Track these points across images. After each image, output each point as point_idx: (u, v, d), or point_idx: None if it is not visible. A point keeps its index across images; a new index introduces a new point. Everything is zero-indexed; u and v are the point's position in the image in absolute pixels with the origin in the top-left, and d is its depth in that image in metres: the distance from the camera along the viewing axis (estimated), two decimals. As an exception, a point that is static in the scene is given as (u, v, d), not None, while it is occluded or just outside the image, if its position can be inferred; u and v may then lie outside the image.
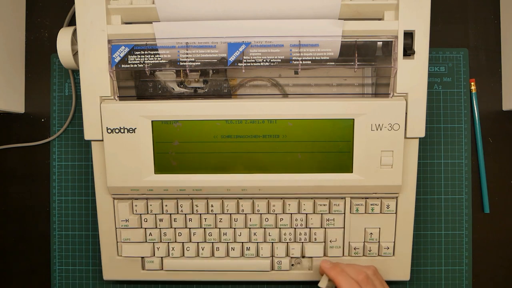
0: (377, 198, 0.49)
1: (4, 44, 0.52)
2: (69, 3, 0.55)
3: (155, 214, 0.49)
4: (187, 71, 0.48)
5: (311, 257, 0.50)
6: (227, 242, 0.50)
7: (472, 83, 0.54)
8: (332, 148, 0.46)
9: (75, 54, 0.49)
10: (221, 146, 0.46)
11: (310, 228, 0.49)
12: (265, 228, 0.49)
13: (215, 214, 0.49)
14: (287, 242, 0.50)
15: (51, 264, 0.55)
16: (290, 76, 0.50)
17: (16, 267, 0.56)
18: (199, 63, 0.46)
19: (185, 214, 0.49)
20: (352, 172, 0.46)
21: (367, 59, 0.46)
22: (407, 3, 0.44)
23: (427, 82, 0.45)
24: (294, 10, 0.45)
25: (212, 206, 0.49)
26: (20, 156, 0.56)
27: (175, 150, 0.46)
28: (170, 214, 0.49)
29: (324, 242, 0.50)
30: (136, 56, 0.46)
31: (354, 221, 0.49)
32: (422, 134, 0.46)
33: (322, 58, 0.45)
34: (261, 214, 0.49)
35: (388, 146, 0.46)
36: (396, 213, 0.49)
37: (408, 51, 0.45)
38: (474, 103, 0.54)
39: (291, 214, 0.49)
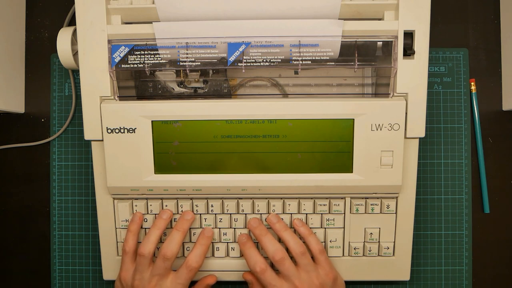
0: (377, 198, 0.49)
1: (4, 44, 0.52)
2: (69, 3, 0.55)
3: (155, 214, 0.49)
4: (187, 71, 0.48)
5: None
6: (227, 242, 0.50)
7: (472, 83, 0.54)
8: (332, 148, 0.46)
9: (75, 54, 0.49)
10: (221, 146, 0.46)
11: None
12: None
13: (215, 214, 0.49)
14: (287, 242, 0.50)
15: (51, 264, 0.55)
16: (290, 76, 0.50)
17: (16, 267, 0.56)
18: (199, 63, 0.46)
19: (185, 214, 0.49)
20: (352, 172, 0.46)
21: (367, 59, 0.46)
22: (407, 3, 0.44)
23: (427, 82, 0.45)
24: (294, 10, 0.45)
25: (212, 206, 0.49)
26: (20, 156, 0.56)
27: (175, 150, 0.46)
28: (170, 214, 0.49)
29: (324, 242, 0.50)
30: (136, 56, 0.46)
31: (354, 221, 0.49)
32: (422, 134, 0.46)
33: (322, 58, 0.45)
34: (261, 214, 0.49)
35: (388, 146, 0.46)
36: (396, 213, 0.49)
37: (408, 51, 0.45)
38: (474, 103, 0.54)
39: (291, 214, 0.49)
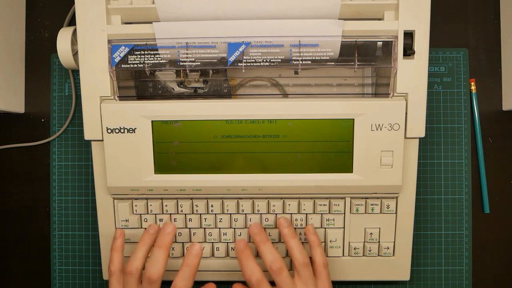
0: (377, 198, 0.49)
1: (4, 44, 0.52)
2: (69, 3, 0.55)
3: (155, 214, 0.49)
4: (187, 71, 0.48)
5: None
6: (227, 242, 0.50)
7: (472, 83, 0.54)
8: (332, 148, 0.46)
9: (75, 54, 0.49)
10: (221, 146, 0.46)
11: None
12: (265, 228, 0.49)
13: (215, 214, 0.49)
14: (287, 242, 0.50)
15: (51, 264, 0.55)
16: (290, 76, 0.50)
17: (16, 267, 0.56)
18: (199, 63, 0.46)
19: (185, 214, 0.49)
20: (352, 172, 0.46)
21: (367, 59, 0.46)
22: (407, 3, 0.44)
23: (427, 82, 0.45)
24: (294, 10, 0.45)
25: (212, 206, 0.49)
26: (20, 156, 0.56)
27: (175, 150, 0.46)
28: (170, 214, 0.49)
29: (324, 242, 0.50)
30: (136, 56, 0.46)
31: (354, 221, 0.49)
32: (422, 134, 0.46)
33: (322, 58, 0.45)
34: (261, 214, 0.49)
35: (388, 146, 0.46)
36: (396, 213, 0.49)
37: (408, 51, 0.45)
38: (474, 103, 0.54)
39: (291, 214, 0.49)
